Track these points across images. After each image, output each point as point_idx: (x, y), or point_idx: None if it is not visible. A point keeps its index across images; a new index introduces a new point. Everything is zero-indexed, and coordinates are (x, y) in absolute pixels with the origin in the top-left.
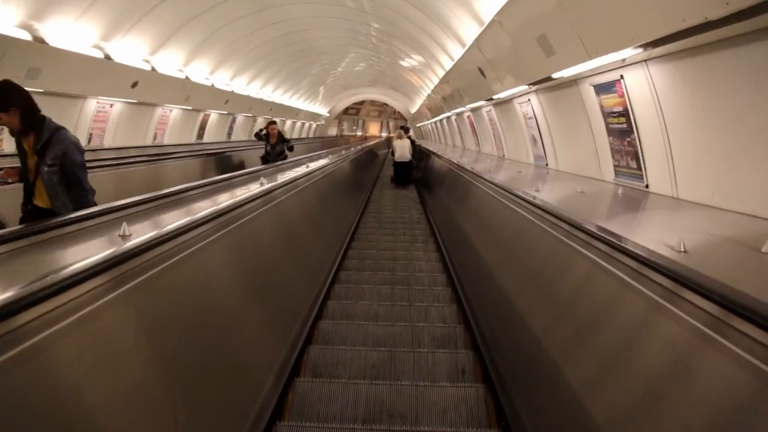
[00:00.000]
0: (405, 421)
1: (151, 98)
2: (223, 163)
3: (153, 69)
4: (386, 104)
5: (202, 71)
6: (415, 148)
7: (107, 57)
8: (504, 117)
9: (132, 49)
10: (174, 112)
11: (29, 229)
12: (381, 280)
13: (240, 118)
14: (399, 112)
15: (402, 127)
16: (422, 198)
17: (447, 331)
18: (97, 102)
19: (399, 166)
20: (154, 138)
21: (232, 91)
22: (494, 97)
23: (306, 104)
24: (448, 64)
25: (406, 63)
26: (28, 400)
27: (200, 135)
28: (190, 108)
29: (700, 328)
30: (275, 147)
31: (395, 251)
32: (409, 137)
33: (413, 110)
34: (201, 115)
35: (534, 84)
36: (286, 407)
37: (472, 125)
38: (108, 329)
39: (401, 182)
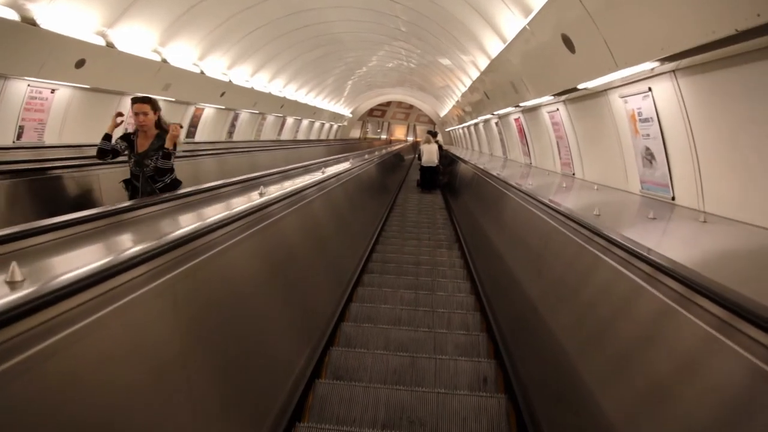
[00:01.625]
0: (425, 428)
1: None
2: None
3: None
4: (413, 106)
5: (220, 66)
6: (442, 153)
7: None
8: (532, 124)
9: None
10: (207, 111)
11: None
12: (404, 285)
13: (271, 118)
14: (427, 116)
15: (430, 132)
16: (448, 203)
17: (469, 339)
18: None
19: (426, 170)
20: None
21: (252, 88)
22: (522, 104)
23: (328, 104)
24: (483, 64)
25: (436, 63)
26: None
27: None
28: (223, 107)
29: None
30: (150, 158)
31: (419, 256)
32: (437, 142)
33: (442, 113)
34: (232, 114)
35: (560, 94)
36: (306, 408)
37: (506, 132)
38: (142, 319)
39: (427, 187)
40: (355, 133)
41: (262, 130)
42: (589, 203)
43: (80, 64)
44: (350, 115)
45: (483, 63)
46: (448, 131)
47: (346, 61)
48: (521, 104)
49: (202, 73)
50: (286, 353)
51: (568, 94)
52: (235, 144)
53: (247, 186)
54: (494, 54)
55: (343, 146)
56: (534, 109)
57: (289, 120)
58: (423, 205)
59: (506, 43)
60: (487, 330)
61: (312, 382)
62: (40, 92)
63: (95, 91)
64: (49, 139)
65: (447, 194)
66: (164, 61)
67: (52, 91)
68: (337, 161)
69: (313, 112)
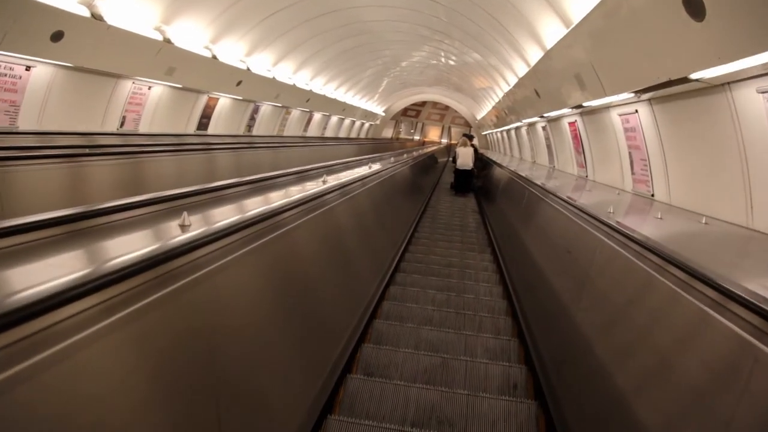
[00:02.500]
0: (454, 428)
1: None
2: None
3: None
4: (449, 107)
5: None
6: (477, 157)
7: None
8: (593, 130)
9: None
10: (222, 101)
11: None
12: (436, 286)
13: (296, 113)
14: (463, 118)
15: (466, 135)
16: (481, 207)
17: (500, 344)
18: (133, 83)
19: (460, 173)
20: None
21: (274, 78)
22: (589, 103)
23: (360, 101)
24: (535, 56)
25: (476, 61)
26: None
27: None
28: (240, 98)
29: None
30: None
31: (451, 258)
32: (473, 145)
33: (479, 116)
34: (251, 106)
35: (655, 88)
36: (337, 402)
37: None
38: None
39: (461, 190)
40: (387, 133)
41: (286, 125)
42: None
43: (57, 36)
44: (383, 114)
45: (535, 55)
46: (485, 134)
47: (382, 57)
48: (586, 104)
49: (214, 57)
50: (321, 348)
51: (668, 87)
52: (253, 139)
53: (302, 177)
54: (552, 42)
55: (374, 146)
56: (598, 110)
57: (317, 116)
58: (456, 208)
59: (571, 27)
60: (518, 335)
61: (343, 376)
62: (12, 68)
63: (82, 71)
64: (24, 124)
65: (481, 198)
66: (167, 41)
67: (27, 68)
68: (372, 161)
69: (343, 109)
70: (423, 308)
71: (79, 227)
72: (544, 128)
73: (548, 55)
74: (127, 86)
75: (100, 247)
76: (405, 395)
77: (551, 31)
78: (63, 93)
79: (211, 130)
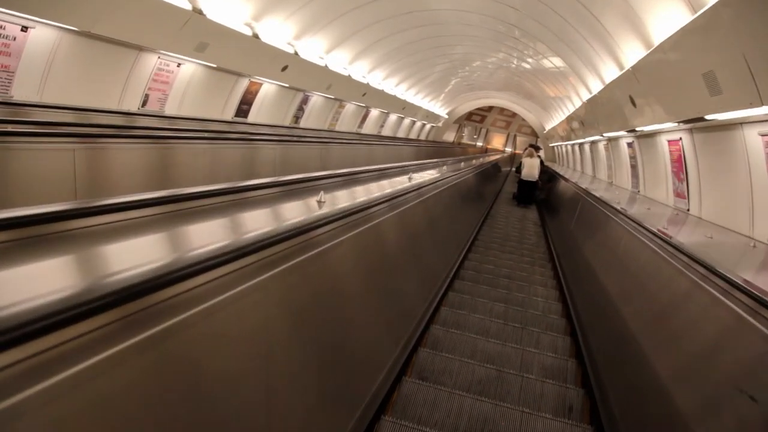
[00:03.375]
0: None
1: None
2: None
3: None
4: (516, 115)
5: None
6: (543, 169)
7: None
8: (706, 153)
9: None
10: (266, 87)
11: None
12: (495, 297)
13: (351, 107)
14: (530, 127)
15: (533, 146)
16: (543, 220)
17: (558, 363)
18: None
19: (524, 184)
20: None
21: (326, 67)
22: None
23: (422, 100)
24: (633, 58)
25: (552, 68)
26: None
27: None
28: (286, 85)
29: None
30: None
31: (511, 270)
32: (539, 157)
33: (548, 126)
34: (300, 96)
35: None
36: (390, 403)
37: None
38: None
39: (524, 201)
40: (449, 137)
41: (338, 119)
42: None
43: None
44: (446, 117)
45: (635, 53)
46: (552, 146)
47: (452, 55)
48: (709, 116)
49: (255, 36)
50: (379, 348)
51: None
52: (296, 131)
53: (347, 181)
54: (667, 32)
55: (435, 149)
56: (716, 127)
57: (374, 112)
58: (517, 219)
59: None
60: (576, 356)
61: (399, 379)
62: (3, 27)
63: (95, 39)
64: (20, 94)
65: (543, 211)
66: (197, 11)
67: (24, 29)
68: (436, 165)
69: (403, 107)
70: (480, 318)
71: (238, 197)
72: (630, 145)
73: (661, 48)
74: (151, 61)
75: (268, 212)
76: (459, 404)
77: (665, 18)
78: (70, 62)
79: (252, 118)
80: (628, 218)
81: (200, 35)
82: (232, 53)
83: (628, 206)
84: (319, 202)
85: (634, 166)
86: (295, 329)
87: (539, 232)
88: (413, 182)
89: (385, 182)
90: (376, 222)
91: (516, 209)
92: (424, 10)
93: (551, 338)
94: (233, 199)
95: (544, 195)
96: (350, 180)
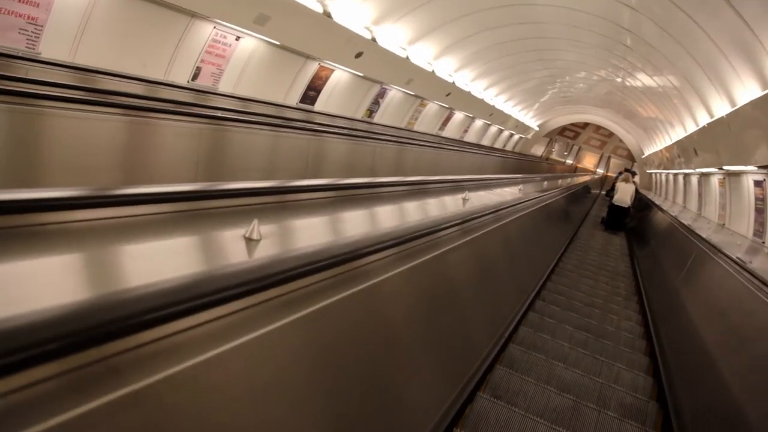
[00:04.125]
0: None
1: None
2: None
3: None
4: (613, 135)
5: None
6: (637, 196)
7: None
8: None
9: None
10: (338, 75)
11: None
12: (575, 323)
13: (433, 107)
14: (627, 149)
15: (629, 170)
16: (631, 249)
17: (638, 403)
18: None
19: (615, 209)
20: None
21: (407, 59)
22: None
23: (512, 108)
24: (745, 97)
25: (658, 90)
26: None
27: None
28: (360, 74)
29: None
30: None
31: (594, 298)
32: (634, 182)
33: (648, 151)
34: (376, 88)
35: None
36: (462, 417)
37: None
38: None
39: (613, 227)
40: (537, 150)
41: (418, 118)
42: None
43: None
44: (536, 129)
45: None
46: (649, 173)
47: (552, 64)
48: None
49: (327, 15)
50: (458, 360)
51: None
52: (371, 126)
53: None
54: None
55: (521, 163)
56: None
57: (458, 115)
58: (604, 245)
59: None
60: (658, 399)
61: (473, 394)
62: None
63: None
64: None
65: (632, 240)
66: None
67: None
68: (525, 181)
69: (490, 114)
70: (559, 343)
71: (344, 194)
72: (759, 184)
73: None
74: (205, 30)
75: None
76: (532, 429)
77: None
78: (110, 21)
79: (319, 106)
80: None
81: (260, 5)
82: (298, 31)
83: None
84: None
85: (761, 210)
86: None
87: (626, 261)
88: (502, 199)
89: (460, 197)
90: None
91: (603, 234)
92: (523, 4)
93: (632, 375)
94: (330, 196)
95: (634, 223)
96: (420, 191)
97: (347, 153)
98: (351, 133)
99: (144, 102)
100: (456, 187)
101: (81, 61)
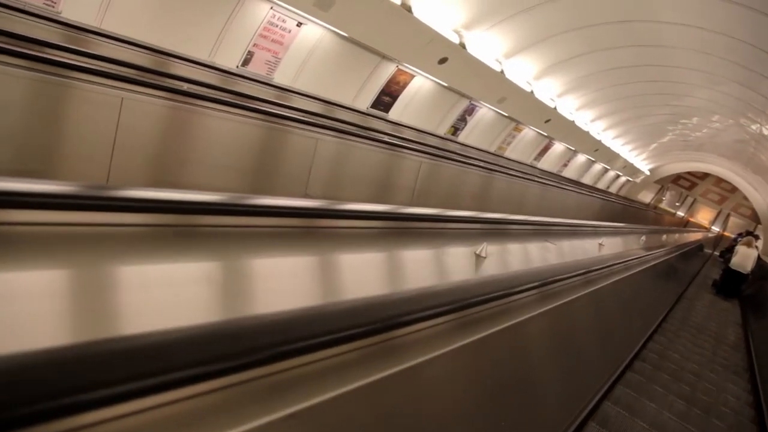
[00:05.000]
0: None
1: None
2: None
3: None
4: (736, 190)
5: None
6: (759, 263)
7: None
8: None
9: None
10: (419, 82)
11: None
12: (677, 392)
13: (529, 133)
14: (752, 209)
15: (752, 233)
16: (745, 320)
17: None
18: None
19: (732, 274)
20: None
21: (501, 73)
22: None
23: (621, 147)
24: None
25: None
26: None
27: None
28: (444, 84)
29: None
30: None
31: (699, 366)
32: (757, 248)
33: None
34: (463, 103)
35: None
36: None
37: None
38: None
39: (726, 292)
40: (645, 197)
41: (511, 143)
42: None
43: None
44: (647, 173)
45: None
46: None
47: (675, 102)
48: None
49: (405, 7)
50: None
51: None
52: (454, 145)
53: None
54: None
55: (625, 208)
56: None
57: (557, 146)
58: (714, 312)
59: None
60: None
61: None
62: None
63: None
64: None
65: (747, 310)
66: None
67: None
68: (632, 231)
69: (595, 149)
70: (658, 410)
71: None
72: None
73: None
74: (260, 10)
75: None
76: None
77: None
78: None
79: (394, 115)
80: None
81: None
82: (370, 22)
83: None
84: (479, 255)
85: None
86: None
87: (738, 332)
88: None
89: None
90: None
91: (714, 299)
92: (643, 20)
93: None
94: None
95: (751, 291)
96: (501, 231)
97: (425, 172)
98: (431, 151)
99: (278, 109)
100: (542, 230)
101: (108, 27)
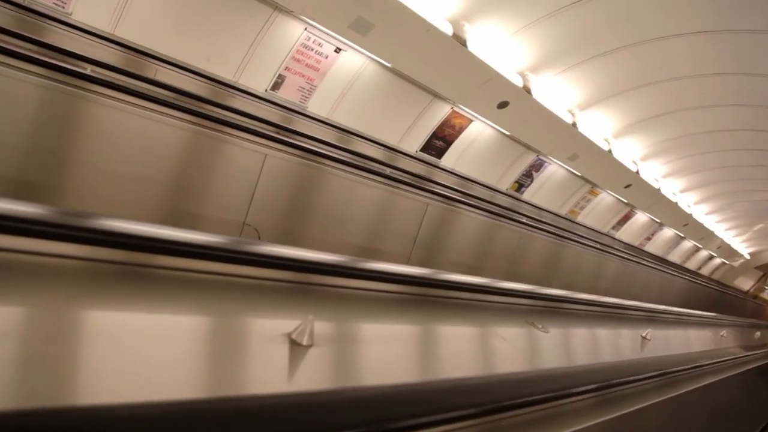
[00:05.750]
0: None
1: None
2: None
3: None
4: None
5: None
6: None
7: None
8: None
9: None
10: (478, 128)
11: None
12: None
13: (607, 198)
14: None
15: None
16: None
17: None
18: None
19: None
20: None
21: (574, 126)
22: None
23: (716, 224)
24: None
25: None
26: None
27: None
28: (506, 132)
29: None
30: None
31: None
32: None
33: None
34: (530, 157)
35: None
36: None
37: None
38: None
39: None
40: (743, 284)
41: (585, 207)
42: None
43: None
44: (747, 257)
45: None
46: None
47: None
48: None
49: (458, 39)
50: None
51: None
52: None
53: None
54: None
55: (718, 294)
56: None
57: (640, 216)
58: None
59: None
60: None
61: None
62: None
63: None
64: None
65: None
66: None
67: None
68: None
69: (684, 224)
70: None
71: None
72: None
73: None
74: (294, 31)
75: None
76: None
77: None
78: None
79: (446, 161)
80: None
81: (359, 6)
82: (415, 53)
83: None
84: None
85: None
86: None
87: None
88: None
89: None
90: None
91: None
92: (743, 73)
93: None
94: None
95: None
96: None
97: (483, 236)
98: (489, 208)
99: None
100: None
101: (122, 35)
